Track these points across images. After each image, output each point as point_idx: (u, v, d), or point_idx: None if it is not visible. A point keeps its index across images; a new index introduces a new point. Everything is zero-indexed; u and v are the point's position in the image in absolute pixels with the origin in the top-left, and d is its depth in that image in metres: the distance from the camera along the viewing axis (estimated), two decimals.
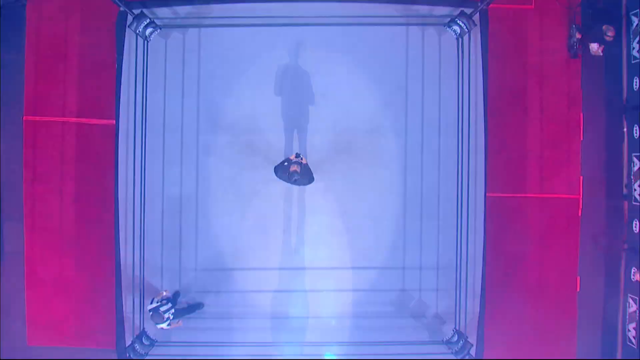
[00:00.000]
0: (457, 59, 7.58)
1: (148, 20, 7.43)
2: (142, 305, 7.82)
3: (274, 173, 6.99)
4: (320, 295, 7.79)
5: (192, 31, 7.76)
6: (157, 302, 7.14)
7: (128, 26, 7.42)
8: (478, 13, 7.41)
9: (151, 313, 7.06)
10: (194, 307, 7.79)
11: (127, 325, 7.88)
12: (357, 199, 7.77)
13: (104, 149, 7.88)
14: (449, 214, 7.71)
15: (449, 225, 7.71)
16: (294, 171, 6.60)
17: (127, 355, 7.62)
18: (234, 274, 7.82)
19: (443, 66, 7.61)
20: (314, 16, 7.68)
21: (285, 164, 6.84)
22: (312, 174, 7.01)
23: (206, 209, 7.83)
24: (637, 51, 7.47)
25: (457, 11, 7.46)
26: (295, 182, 6.82)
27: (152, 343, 7.75)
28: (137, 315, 7.89)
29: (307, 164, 6.96)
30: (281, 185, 7.61)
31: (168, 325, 7.13)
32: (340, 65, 7.73)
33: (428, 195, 7.74)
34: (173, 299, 7.58)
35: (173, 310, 7.23)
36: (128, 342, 7.80)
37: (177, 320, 7.30)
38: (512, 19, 7.78)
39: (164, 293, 7.37)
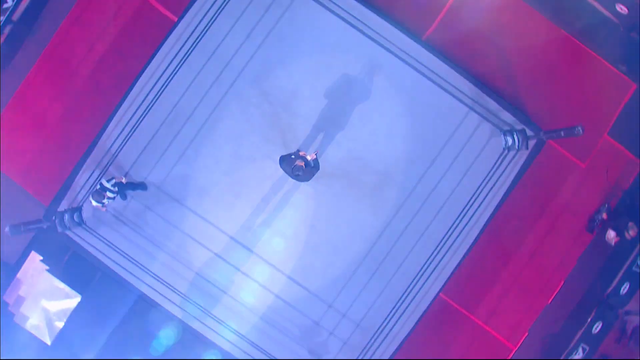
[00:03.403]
0: (493, 165, 7.59)
1: None
2: (94, 185, 7.83)
3: (279, 160, 6.90)
4: (248, 281, 7.80)
5: None
6: (112, 185, 7.10)
7: None
8: (536, 139, 7.42)
9: (99, 187, 7.04)
10: (138, 186, 7.76)
11: (70, 195, 7.88)
12: (332, 222, 7.75)
13: (152, 37, 7.88)
14: (398, 287, 7.71)
15: (392, 297, 7.72)
16: (300, 166, 6.59)
17: (53, 219, 7.63)
18: (188, 214, 7.81)
19: (476, 163, 7.61)
20: (400, 47, 7.68)
21: (292, 156, 6.81)
22: (317, 167, 6.95)
23: (201, 143, 7.80)
24: None
25: (519, 126, 7.49)
26: (297, 178, 6.77)
27: (80, 224, 7.74)
28: (83, 191, 7.89)
29: (309, 160, 6.85)
30: (276, 168, 7.61)
31: (99, 204, 7.08)
32: (393, 102, 7.71)
33: (391, 259, 7.73)
34: (122, 192, 7.53)
35: (112, 201, 7.22)
36: (61, 209, 7.81)
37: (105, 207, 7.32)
38: (560, 163, 7.79)
39: (123, 180, 7.34)
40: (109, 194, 6.99)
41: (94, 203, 6.99)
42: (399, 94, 7.74)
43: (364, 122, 7.74)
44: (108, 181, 7.06)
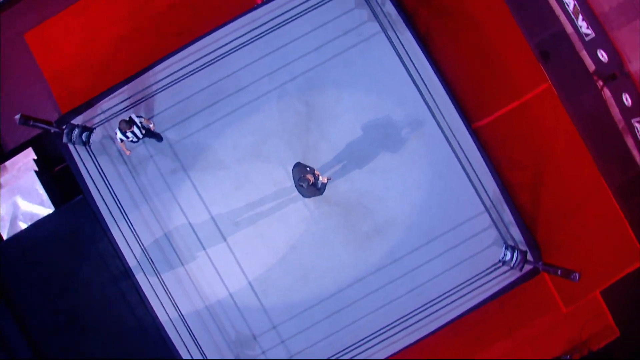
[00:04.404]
0: (483, 271, 7.57)
1: None
2: (115, 114, 7.85)
3: (295, 164, 7.00)
4: (209, 267, 7.77)
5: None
6: (139, 122, 7.05)
7: None
8: (532, 266, 7.41)
9: (128, 118, 7.01)
10: (155, 135, 7.70)
11: (89, 113, 7.88)
12: (313, 251, 7.71)
13: (230, 7, 7.98)
14: (344, 340, 7.63)
15: (334, 346, 7.63)
16: (307, 180, 6.62)
17: (63, 127, 7.62)
18: (185, 182, 7.80)
19: (469, 262, 7.57)
20: (448, 123, 7.68)
21: (308, 169, 6.89)
22: (321, 191, 7.05)
23: (229, 124, 7.80)
24: None
25: (523, 247, 7.49)
26: (299, 188, 6.85)
27: (85, 144, 7.74)
28: (102, 116, 7.89)
29: (317, 182, 6.92)
30: (285, 176, 7.67)
31: (120, 140, 7.11)
32: (419, 169, 7.71)
33: (350, 311, 7.64)
34: (144, 136, 7.36)
35: (135, 139, 7.15)
36: (75, 122, 7.80)
37: (127, 147, 7.38)
38: (544, 298, 7.78)
39: (152, 126, 7.30)
40: (135, 129, 6.98)
41: (118, 134, 6.99)
42: (428, 164, 7.74)
43: (385, 174, 7.75)
44: (137, 116, 7.07)
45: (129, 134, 6.99)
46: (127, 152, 7.39)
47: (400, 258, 7.66)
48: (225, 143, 7.81)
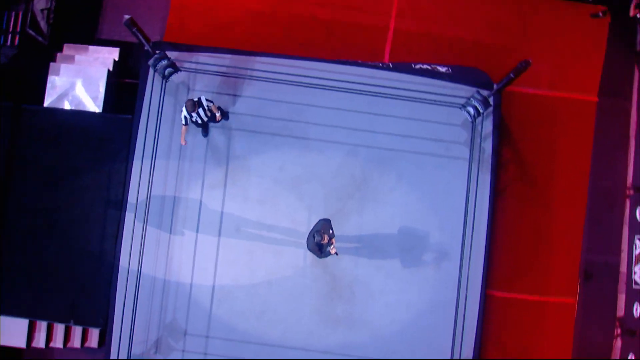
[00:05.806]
0: None
1: None
2: (207, 73, 7.96)
3: (324, 219, 7.08)
4: (189, 249, 7.80)
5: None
6: (206, 106, 7.15)
7: None
8: None
9: (197, 99, 7.09)
10: (224, 114, 7.78)
11: (183, 56, 7.96)
12: (285, 296, 7.69)
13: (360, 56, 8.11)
14: None
15: None
16: (320, 237, 6.73)
17: (156, 53, 7.68)
18: (220, 167, 7.87)
19: None
20: (471, 275, 7.68)
21: (331, 231, 6.93)
22: (322, 255, 7.07)
23: (288, 146, 7.87)
24: None
25: None
26: (310, 237, 6.95)
27: (164, 77, 7.81)
28: (192, 65, 7.97)
29: (326, 246, 6.93)
30: (304, 223, 7.68)
31: (183, 118, 7.21)
32: (423, 299, 7.68)
33: None
34: (208, 120, 7.53)
35: (200, 121, 7.30)
36: (169, 54, 7.88)
37: (186, 125, 7.36)
38: None
39: (218, 115, 7.38)
40: (200, 111, 7.09)
41: (183, 112, 7.13)
42: (428, 296, 7.68)
43: (387, 278, 7.71)
44: (207, 100, 7.18)
45: (193, 115, 7.12)
46: (183, 143, 7.48)
47: (350, 356, 7.59)
48: (276, 159, 7.85)
